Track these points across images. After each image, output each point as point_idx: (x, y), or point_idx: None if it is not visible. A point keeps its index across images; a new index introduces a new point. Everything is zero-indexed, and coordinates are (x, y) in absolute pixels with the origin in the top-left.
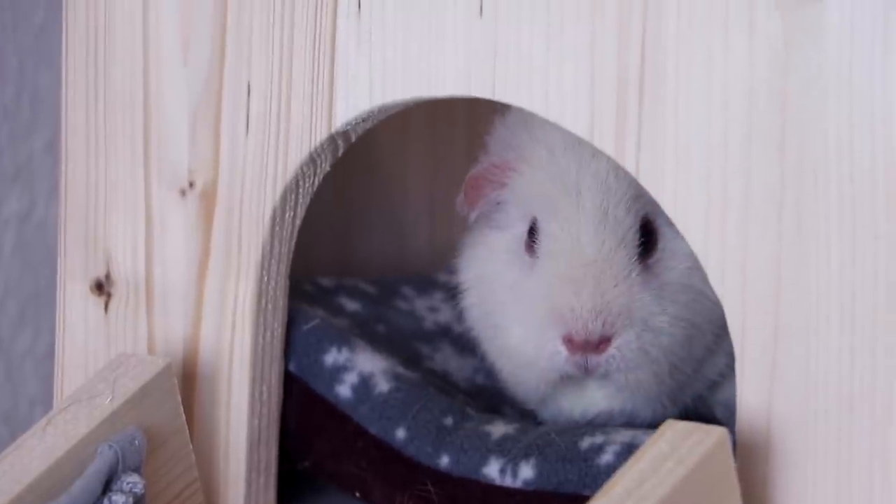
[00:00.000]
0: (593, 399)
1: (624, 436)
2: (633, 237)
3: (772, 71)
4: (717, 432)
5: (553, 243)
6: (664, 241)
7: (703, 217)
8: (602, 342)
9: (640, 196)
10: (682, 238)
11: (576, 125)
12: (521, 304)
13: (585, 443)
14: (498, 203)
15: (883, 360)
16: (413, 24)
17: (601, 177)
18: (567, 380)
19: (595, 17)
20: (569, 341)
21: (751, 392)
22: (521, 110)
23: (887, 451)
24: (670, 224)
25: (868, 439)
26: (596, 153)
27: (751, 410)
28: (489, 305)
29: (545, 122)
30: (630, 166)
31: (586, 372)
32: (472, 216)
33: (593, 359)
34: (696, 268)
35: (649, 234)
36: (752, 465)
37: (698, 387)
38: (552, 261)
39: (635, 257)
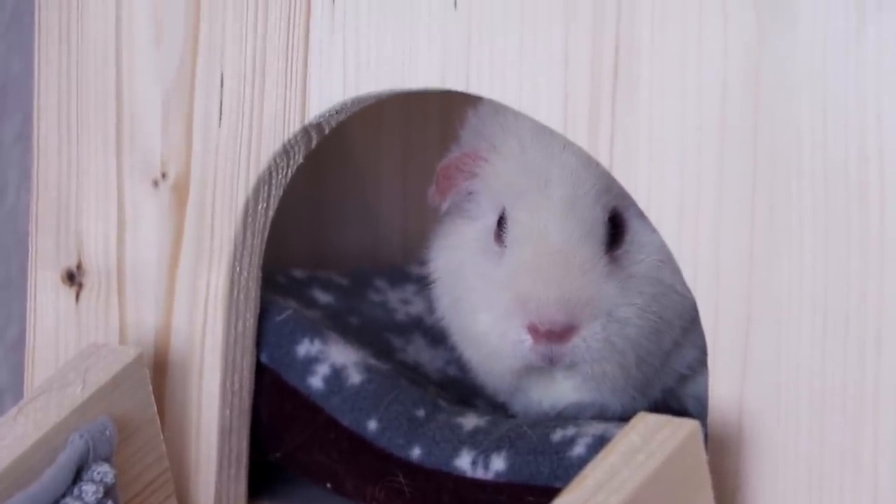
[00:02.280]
0: (561, 390)
1: (596, 428)
2: (600, 228)
3: (746, 63)
4: (689, 425)
5: (520, 232)
6: (632, 234)
7: (677, 210)
8: (567, 332)
9: (609, 188)
10: (652, 231)
11: (550, 118)
12: (489, 292)
13: (557, 435)
14: (469, 193)
15: (855, 357)
16: (387, 15)
17: (570, 168)
18: (533, 370)
19: (569, 9)
20: (533, 330)
21: (723, 385)
22: (493, 101)
23: (858, 446)
24: (640, 217)
25: (840, 435)
26: (566, 145)
27: (722, 403)
28: (458, 294)
29: (517, 113)
30: (603, 159)
31: (551, 362)
32: (444, 207)
33: (557, 349)
34: (665, 261)
35: (617, 227)
36: (723, 458)
37: (668, 380)
38: (518, 249)
39: (602, 248)
